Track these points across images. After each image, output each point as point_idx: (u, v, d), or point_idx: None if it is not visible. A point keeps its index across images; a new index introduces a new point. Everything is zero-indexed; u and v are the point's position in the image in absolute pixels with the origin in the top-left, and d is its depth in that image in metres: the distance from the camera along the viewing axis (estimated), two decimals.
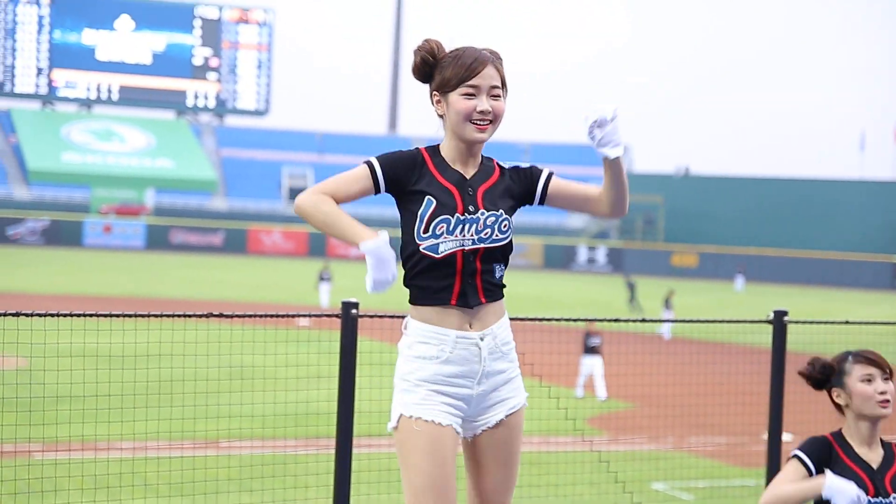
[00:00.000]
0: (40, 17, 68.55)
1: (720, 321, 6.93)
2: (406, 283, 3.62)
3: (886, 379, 3.86)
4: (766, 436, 6.38)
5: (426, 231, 3.53)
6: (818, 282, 52.66)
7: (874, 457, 3.85)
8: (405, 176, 3.57)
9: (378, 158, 3.59)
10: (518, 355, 3.78)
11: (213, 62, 71.82)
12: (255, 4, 74.05)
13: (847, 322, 7.11)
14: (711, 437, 12.69)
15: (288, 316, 5.51)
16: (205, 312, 5.26)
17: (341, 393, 5.38)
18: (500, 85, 3.59)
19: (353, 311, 5.41)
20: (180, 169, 66.20)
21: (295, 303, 29.24)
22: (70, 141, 66.54)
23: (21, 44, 68.44)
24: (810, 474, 3.79)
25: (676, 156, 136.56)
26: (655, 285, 46.50)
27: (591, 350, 16.20)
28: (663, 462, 11.40)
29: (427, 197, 3.55)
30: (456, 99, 3.58)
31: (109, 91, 70.18)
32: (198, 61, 71.58)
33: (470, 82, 3.56)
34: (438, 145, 3.68)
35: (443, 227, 3.54)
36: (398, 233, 3.66)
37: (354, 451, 5.50)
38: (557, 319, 6.35)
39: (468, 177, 3.62)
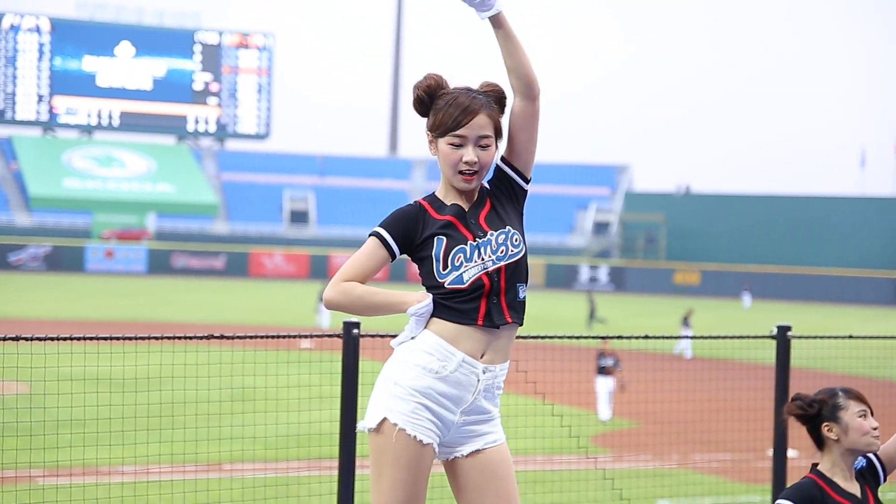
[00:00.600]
0: (41, 45, 68.84)
1: (724, 337, 6.91)
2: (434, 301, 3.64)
3: (873, 414, 4.01)
4: (771, 452, 6.35)
5: (446, 267, 3.57)
6: (820, 298, 52.61)
7: (854, 489, 3.95)
8: (413, 231, 3.61)
9: (382, 225, 3.62)
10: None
11: (214, 87, 72.06)
12: (254, 29, 74.38)
13: (850, 337, 7.08)
14: (716, 454, 12.63)
15: (289, 337, 5.50)
16: (206, 334, 5.24)
17: (343, 413, 5.36)
18: (490, 134, 3.58)
19: (355, 330, 5.40)
20: (181, 193, 66.32)
21: (297, 325, 29.21)
22: (71, 167, 66.70)
23: (22, 71, 68.70)
24: None
25: (677, 174, 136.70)
26: (659, 304, 46.44)
27: (602, 371, 16.08)
28: (668, 479, 11.35)
29: (436, 237, 3.59)
30: (444, 147, 3.60)
31: (110, 117, 70.40)
32: (198, 86, 71.82)
33: (457, 132, 3.56)
34: (435, 192, 3.71)
35: (460, 256, 3.58)
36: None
37: (357, 471, 5.47)
38: (560, 337, 6.34)
39: (467, 209, 3.65)
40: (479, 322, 3.56)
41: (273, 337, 5.67)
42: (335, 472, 5.49)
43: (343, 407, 5.36)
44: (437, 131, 3.59)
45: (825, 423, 3.93)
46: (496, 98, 3.62)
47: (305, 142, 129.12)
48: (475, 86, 3.66)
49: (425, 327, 3.59)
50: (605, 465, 11.61)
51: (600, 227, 68.28)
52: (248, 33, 73.21)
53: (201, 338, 5.42)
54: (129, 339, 5.23)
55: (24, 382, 12.70)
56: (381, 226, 3.62)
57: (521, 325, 3.66)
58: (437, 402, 3.57)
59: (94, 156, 68.41)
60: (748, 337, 6.91)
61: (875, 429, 3.93)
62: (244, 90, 72.68)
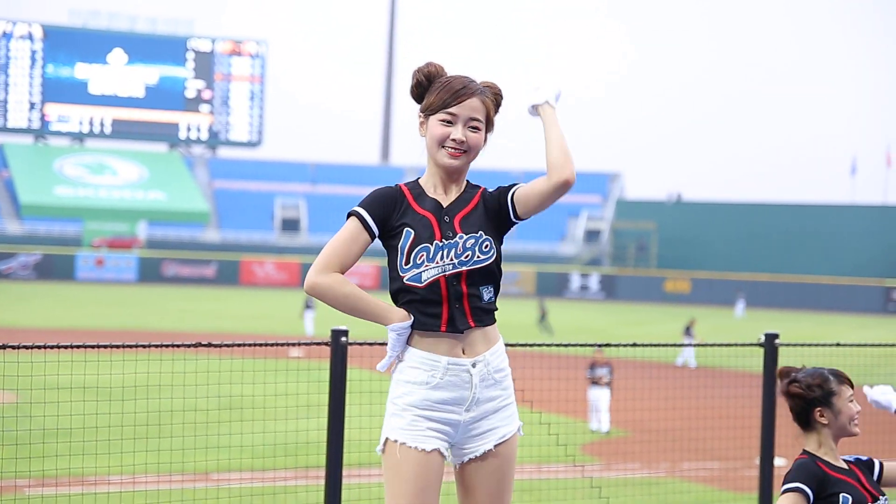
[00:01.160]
0: (33, 52, 68.73)
1: (712, 345, 6.92)
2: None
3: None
4: (758, 460, 6.35)
5: (408, 262, 3.57)
6: (811, 306, 52.69)
7: (842, 464, 4.02)
8: (389, 213, 3.60)
9: (362, 205, 3.60)
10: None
11: (206, 94, 72.00)
12: (247, 37, 74.36)
13: (838, 345, 7.10)
14: (704, 463, 12.63)
15: (277, 345, 5.50)
16: (194, 343, 5.24)
17: (331, 422, 5.35)
18: (481, 118, 3.61)
19: (343, 338, 5.39)
20: (173, 201, 66.22)
21: (287, 333, 29.17)
22: (62, 175, 66.56)
23: (14, 78, 68.56)
24: (808, 502, 3.85)
25: (669, 183, 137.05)
26: (649, 312, 46.44)
27: (596, 382, 15.06)
28: (656, 487, 11.34)
29: (406, 229, 3.58)
30: (434, 123, 3.61)
31: (102, 124, 70.28)
32: (190, 94, 71.75)
33: (449, 109, 3.58)
34: (419, 178, 3.71)
35: (423, 255, 3.57)
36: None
37: (345, 480, 5.46)
38: (549, 345, 6.34)
39: (445, 204, 3.64)
40: (443, 329, 3.57)
41: (261, 345, 5.66)
42: (323, 482, 5.48)
43: (331, 415, 5.35)
44: (430, 109, 3.61)
45: (818, 408, 3.99)
46: (492, 93, 3.67)
47: (297, 149, 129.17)
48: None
49: (407, 343, 3.62)
50: (592, 473, 11.60)
51: (591, 235, 68.36)
52: (241, 41, 73.18)
53: (189, 346, 5.41)
54: (117, 347, 5.22)
55: (10, 391, 12.65)
56: (360, 205, 3.60)
57: (489, 325, 3.64)
58: (437, 410, 3.58)
59: (86, 163, 68.29)
60: (736, 345, 6.92)
61: (858, 412, 4.03)
62: (237, 98, 72.63)
